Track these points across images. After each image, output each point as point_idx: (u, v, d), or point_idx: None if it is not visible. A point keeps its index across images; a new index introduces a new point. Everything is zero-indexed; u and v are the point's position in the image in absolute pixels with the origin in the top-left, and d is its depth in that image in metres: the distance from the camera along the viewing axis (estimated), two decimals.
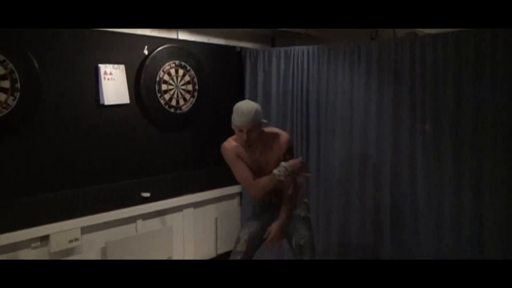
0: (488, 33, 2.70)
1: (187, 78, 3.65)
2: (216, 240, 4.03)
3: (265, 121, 2.55)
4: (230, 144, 2.58)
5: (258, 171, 2.55)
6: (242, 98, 3.97)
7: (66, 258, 3.01)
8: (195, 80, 3.71)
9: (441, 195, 2.91)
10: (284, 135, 2.58)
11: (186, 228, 3.79)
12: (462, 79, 2.79)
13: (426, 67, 2.92)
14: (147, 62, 3.34)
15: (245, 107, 2.42)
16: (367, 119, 3.21)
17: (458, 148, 2.83)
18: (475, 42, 2.74)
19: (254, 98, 3.96)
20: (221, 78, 3.98)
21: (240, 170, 2.54)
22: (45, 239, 2.88)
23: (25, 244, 2.80)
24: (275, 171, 2.40)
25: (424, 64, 2.92)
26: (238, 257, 2.59)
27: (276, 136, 2.56)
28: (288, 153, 2.53)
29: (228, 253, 4.10)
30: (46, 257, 2.90)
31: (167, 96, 3.51)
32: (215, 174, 3.86)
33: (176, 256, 3.70)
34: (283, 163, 2.41)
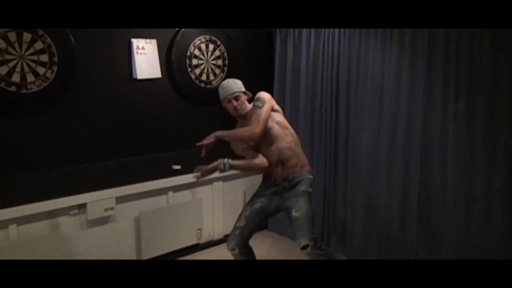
0: None
1: (217, 53, 3.67)
2: None
3: (249, 93, 2.73)
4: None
5: (270, 139, 2.65)
6: (271, 74, 4.00)
7: (102, 226, 3.16)
8: (225, 55, 3.73)
9: (471, 173, 2.85)
10: (260, 93, 2.68)
11: (215, 201, 3.88)
12: (500, 55, 2.68)
13: (461, 43, 2.82)
14: (178, 37, 3.38)
15: (226, 80, 2.72)
16: (398, 95, 3.15)
17: (492, 127, 2.74)
18: None
19: (283, 75, 3.96)
20: (250, 54, 3.98)
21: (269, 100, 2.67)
22: (82, 207, 3.03)
23: (65, 211, 2.96)
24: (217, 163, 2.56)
25: (459, 39, 2.83)
26: (236, 232, 2.67)
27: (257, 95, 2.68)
28: (255, 100, 2.64)
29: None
30: (84, 224, 3.06)
31: (197, 71, 3.55)
32: None
33: (206, 228, 3.81)
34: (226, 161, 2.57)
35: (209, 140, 2.55)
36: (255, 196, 2.76)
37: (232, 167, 2.57)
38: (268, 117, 2.59)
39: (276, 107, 2.72)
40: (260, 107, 2.58)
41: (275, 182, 2.68)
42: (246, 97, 2.71)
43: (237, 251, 2.68)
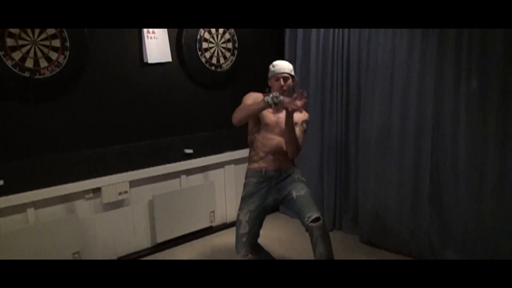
0: None
1: (227, 36, 3.66)
2: None
3: (297, 80, 2.74)
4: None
5: (278, 130, 2.59)
6: (281, 56, 3.98)
7: (117, 209, 3.21)
8: (235, 38, 3.72)
9: (484, 154, 2.84)
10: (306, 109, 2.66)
11: (228, 183, 3.91)
12: None
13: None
14: None
15: (280, 60, 2.70)
16: (409, 73, 3.12)
17: (505, 107, 2.72)
18: None
19: (293, 56, 3.94)
20: (260, 36, 3.96)
21: (246, 99, 2.66)
22: (97, 191, 3.07)
23: (80, 195, 3.00)
24: (267, 97, 2.35)
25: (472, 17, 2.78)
26: (244, 240, 2.54)
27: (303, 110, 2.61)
28: (306, 123, 2.66)
29: None
30: (98, 207, 3.11)
31: (207, 55, 3.54)
32: None
33: (219, 210, 3.85)
34: (274, 93, 2.35)
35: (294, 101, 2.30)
36: (247, 197, 2.60)
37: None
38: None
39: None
40: (306, 129, 2.69)
41: (267, 174, 2.59)
42: (293, 81, 2.69)
43: (250, 256, 2.63)
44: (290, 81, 2.64)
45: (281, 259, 3.00)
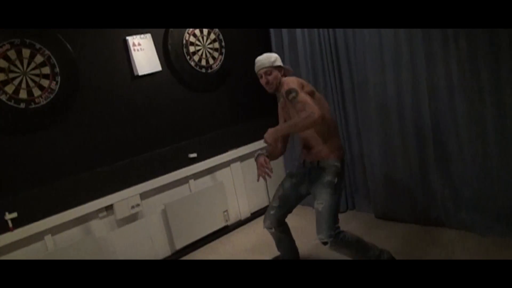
0: None
1: (212, 36, 3.67)
2: (267, 189, 4.17)
3: (287, 67, 2.65)
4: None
5: (286, 119, 2.67)
6: (268, 47, 3.99)
7: (131, 223, 3.24)
8: (221, 37, 3.73)
9: (482, 112, 2.84)
10: (284, 81, 2.52)
11: (237, 181, 3.94)
12: None
13: None
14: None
15: (261, 56, 2.61)
16: (398, 43, 3.13)
17: (496, 62, 2.71)
18: None
19: (280, 44, 3.95)
20: (245, 31, 3.97)
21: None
22: (109, 208, 3.11)
23: (94, 215, 3.04)
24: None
25: None
26: (272, 212, 2.71)
27: (283, 84, 2.53)
28: (287, 95, 2.42)
29: None
30: (113, 224, 3.15)
31: (196, 58, 3.56)
32: (255, 126, 3.95)
33: (232, 209, 3.88)
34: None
35: (269, 147, 2.51)
36: (287, 176, 2.79)
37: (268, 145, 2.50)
38: (310, 98, 2.38)
39: (308, 88, 2.50)
40: (296, 97, 2.37)
41: (305, 163, 2.69)
42: (280, 72, 2.57)
43: (273, 230, 2.76)
44: (275, 73, 2.54)
45: (302, 250, 3.02)
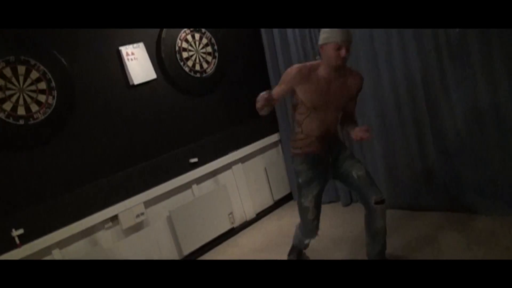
0: None
1: (204, 40, 3.69)
2: (270, 188, 4.18)
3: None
4: (300, 65, 2.43)
5: (322, 103, 2.42)
6: (261, 47, 4.01)
7: (138, 232, 3.25)
8: (213, 41, 3.75)
9: (474, 88, 2.88)
10: (359, 75, 2.51)
11: (239, 183, 3.95)
12: None
13: None
14: (163, 34, 3.41)
15: (341, 29, 2.29)
16: (388, 30, 3.17)
17: (485, 41, 2.76)
18: None
19: (271, 42, 3.95)
20: (237, 33, 3.99)
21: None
22: (115, 218, 3.11)
23: (99, 226, 3.05)
24: None
25: None
26: (315, 223, 2.58)
27: (352, 73, 2.49)
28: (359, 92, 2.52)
29: (284, 199, 4.27)
30: (120, 234, 3.15)
31: (190, 63, 3.58)
32: (253, 127, 3.97)
33: (237, 211, 3.89)
34: None
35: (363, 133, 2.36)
36: (306, 184, 2.52)
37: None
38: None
39: None
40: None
41: (319, 157, 2.52)
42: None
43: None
44: (349, 54, 2.31)
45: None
